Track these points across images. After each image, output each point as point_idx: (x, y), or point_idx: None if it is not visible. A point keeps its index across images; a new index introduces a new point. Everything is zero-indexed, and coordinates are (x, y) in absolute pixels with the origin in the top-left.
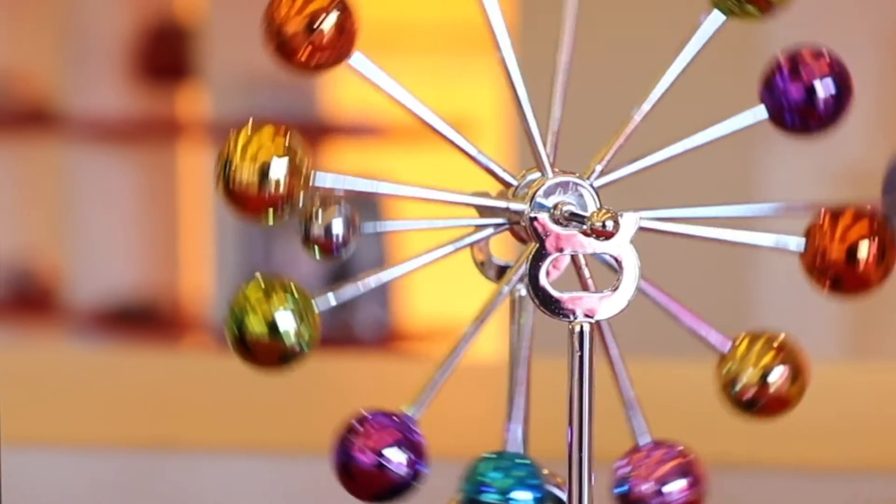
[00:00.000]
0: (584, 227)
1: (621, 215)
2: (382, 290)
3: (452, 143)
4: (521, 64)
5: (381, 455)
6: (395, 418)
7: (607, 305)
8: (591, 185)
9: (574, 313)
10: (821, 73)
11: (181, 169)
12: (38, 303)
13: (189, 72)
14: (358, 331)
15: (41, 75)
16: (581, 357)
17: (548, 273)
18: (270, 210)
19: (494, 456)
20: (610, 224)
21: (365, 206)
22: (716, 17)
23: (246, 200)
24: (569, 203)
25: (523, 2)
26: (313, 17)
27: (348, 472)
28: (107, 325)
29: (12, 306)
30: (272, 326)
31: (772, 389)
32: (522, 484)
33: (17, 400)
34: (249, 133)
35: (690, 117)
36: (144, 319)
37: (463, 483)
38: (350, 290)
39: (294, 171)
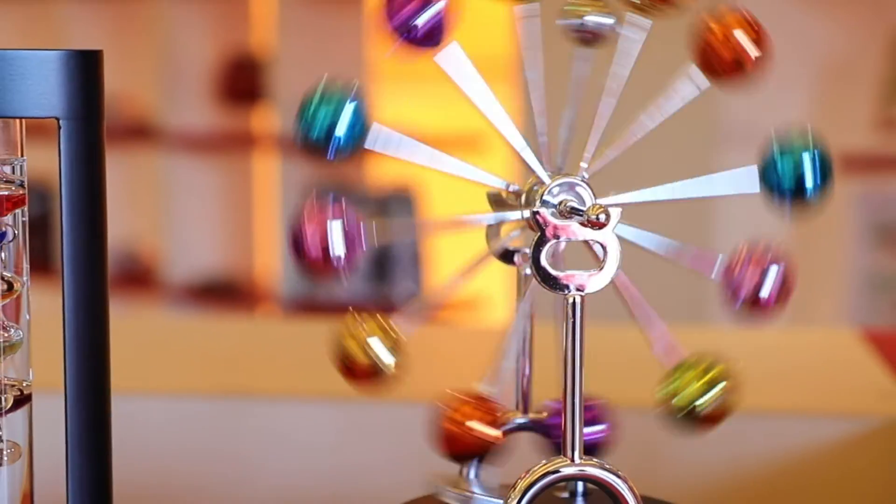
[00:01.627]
0: (583, 218)
1: (609, 209)
2: (415, 269)
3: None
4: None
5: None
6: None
7: (594, 282)
8: (585, 181)
9: (568, 288)
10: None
11: (255, 172)
12: (141, 279)
13: (261, 95)
14: (395, 301)
15: (143, 98)
16: (574, 322)
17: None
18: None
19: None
20: (603, 216)
21: (404, 207)
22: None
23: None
24: (570, 200)
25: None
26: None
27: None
28: (196, 297)
29: (121, 282)
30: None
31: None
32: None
33: (125, 357)
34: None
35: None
36: (225, 292)
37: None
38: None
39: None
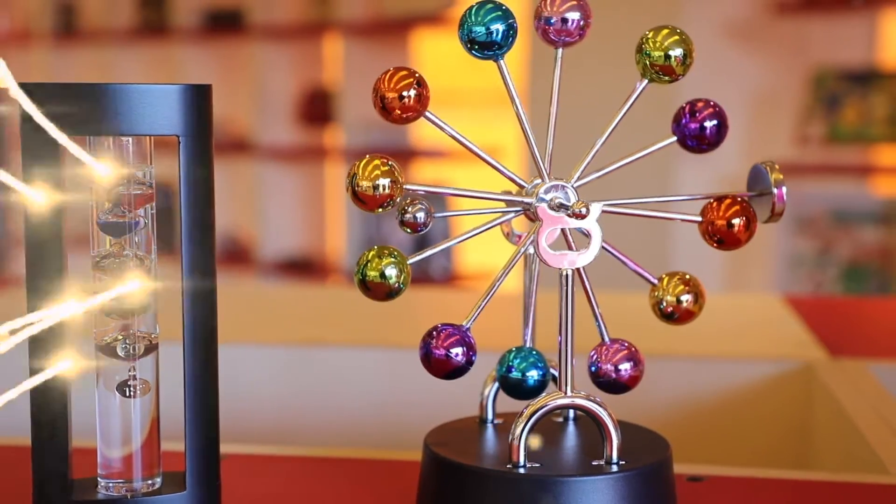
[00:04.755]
0: (568, 212)
1: (590, 205)
2: (447, 249)
3: (490, 164)
4: (531, 108)
5: (448, 351)
6: (457, 328)
7: (582, 259)
8: (573, 186)
9: (562, 264)
10: (709, 114)
11: (326, 176)
12: (240, 257)
13: (331, 118)
14: (432, 273)
15: (242, 120)
16: (567, 289)
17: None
18: (380, 206)
19: (515, 349)
20: (583, 210)
21: (436, 201)
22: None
23: (365, 200)
24: (559, 197)
25: (532, 69)
26: (401, 90)
27: (428, 361)
28: (281, 271)
29: (225, 259)
30: (382, 275)
31: (683, 307)
32: (534, 366)
33: (229, 316)
34: (366, 160)
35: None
36: (304, 267)
37: (497, 367)
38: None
39: (394, 182)
